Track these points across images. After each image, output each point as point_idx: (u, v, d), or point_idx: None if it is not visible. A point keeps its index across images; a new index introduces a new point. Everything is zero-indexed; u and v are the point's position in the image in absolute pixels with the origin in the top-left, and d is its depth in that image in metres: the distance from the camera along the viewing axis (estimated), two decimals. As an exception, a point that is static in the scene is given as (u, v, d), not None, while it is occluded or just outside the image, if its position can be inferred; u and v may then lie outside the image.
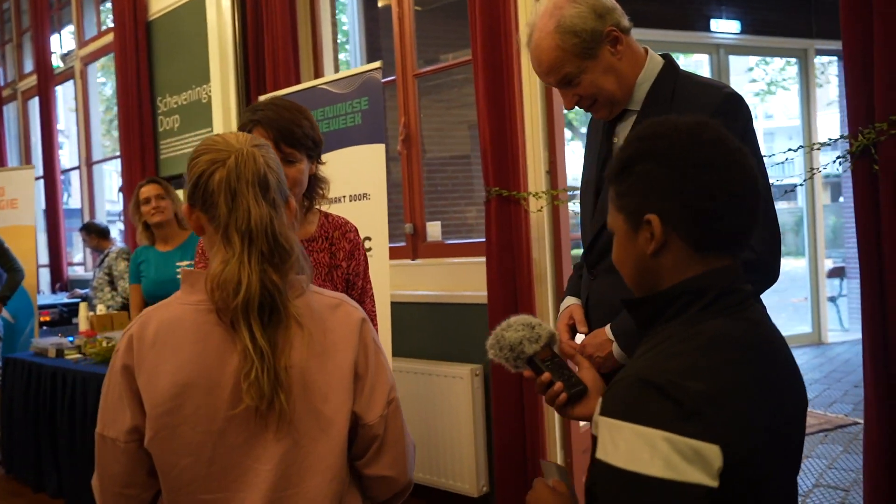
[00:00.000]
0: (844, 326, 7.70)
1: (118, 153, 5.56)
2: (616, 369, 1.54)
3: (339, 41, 4.61)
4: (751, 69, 10.84)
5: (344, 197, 3.05)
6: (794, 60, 7.52)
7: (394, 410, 1.24)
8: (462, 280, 3.43)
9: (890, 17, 2.12)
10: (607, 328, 1.58)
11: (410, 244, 3.73)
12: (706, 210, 0.99)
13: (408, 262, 3.70)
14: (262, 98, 1.99)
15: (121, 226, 5.68)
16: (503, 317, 2.96)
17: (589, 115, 1.76)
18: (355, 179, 3.00)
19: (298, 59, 3.96)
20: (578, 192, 3.20)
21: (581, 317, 1.72)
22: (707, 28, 7.08)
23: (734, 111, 1.52)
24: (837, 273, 8.12)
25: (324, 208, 1.88)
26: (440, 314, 3.44)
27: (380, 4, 5.76)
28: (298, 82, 3.91)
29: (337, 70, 4.27)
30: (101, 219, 6.16)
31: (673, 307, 1.02)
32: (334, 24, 4.32)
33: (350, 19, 5.67)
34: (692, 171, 0.99)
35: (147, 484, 1.17)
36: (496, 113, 2.95)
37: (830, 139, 2.56)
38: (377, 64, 2.95)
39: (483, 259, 3.34)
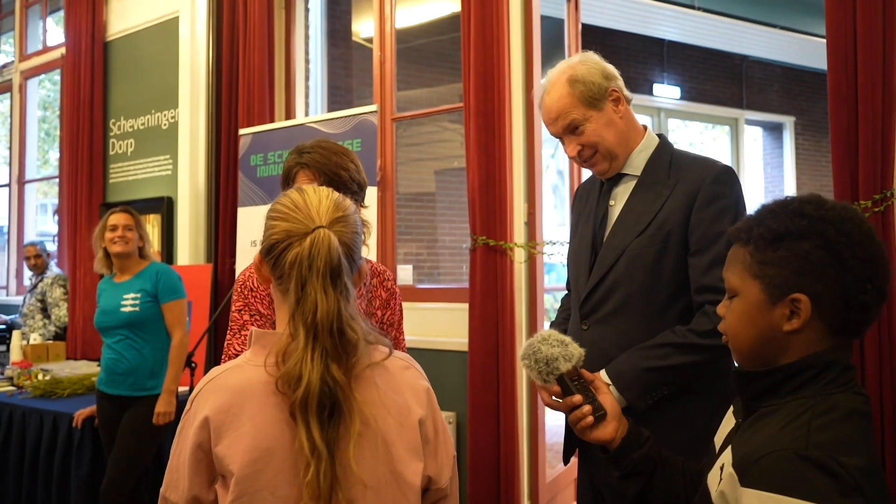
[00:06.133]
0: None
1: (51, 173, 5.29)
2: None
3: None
4: (671, 130, 11.33)
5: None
6: (726, 128, 7.98)
7: (455, 467, 1.25)
8: (434, 326, 3.42)
9: (873, 99, 2.28)
10: (602, 373, 1.64)
11: (380, 287, 3.67)
12: (859, 302, 1.02)
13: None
14: (307, 139, 1.89)
15: (53, 247, 5.36)
16: (484, 365, 3.02)
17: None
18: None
19: (274, 96, 3.91)
20: (552, 244, 3.30)
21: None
22: (650, 92, 7.45)
23: (732, 181, 1.69)
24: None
25: None
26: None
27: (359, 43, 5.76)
28: (273, 119, 3.85)
29: (307, 111, 4.24)
30: (30, 239, 5.82)
31: (797, 380, 1.04)
32: (307, 61, 4.31)
33: (313, 58, 5.67)
34: (854, 262, 1.02)
35: None
36: (485, 162, 2.99)
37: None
38: (373, 107, 2.95)
39: (456, 305, 3.35)
